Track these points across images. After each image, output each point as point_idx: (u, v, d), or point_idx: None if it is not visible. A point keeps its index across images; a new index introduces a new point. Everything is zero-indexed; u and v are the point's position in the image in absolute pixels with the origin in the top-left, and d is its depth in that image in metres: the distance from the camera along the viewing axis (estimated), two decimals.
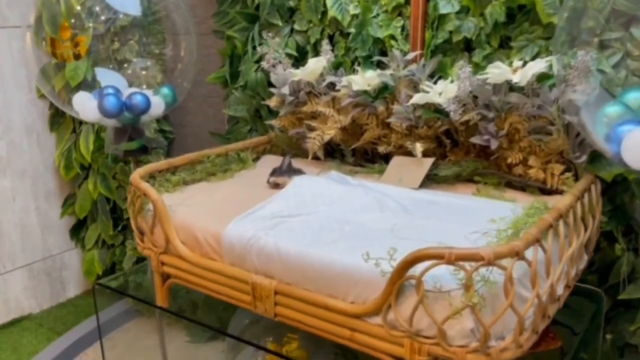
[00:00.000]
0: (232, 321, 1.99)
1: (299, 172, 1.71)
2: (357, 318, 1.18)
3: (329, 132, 1.86)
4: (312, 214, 1.49)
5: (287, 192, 1.58)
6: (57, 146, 3.07)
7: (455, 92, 1.60)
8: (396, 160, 1.76)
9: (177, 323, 2.74)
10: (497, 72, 1.48)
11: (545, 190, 1.55)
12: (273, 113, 2.26)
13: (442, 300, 1.06)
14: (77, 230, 3.28)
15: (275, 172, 1.70)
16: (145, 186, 1.54)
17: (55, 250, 3.26)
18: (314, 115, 1.97)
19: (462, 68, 1.51)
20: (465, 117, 1.61)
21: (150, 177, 1.72)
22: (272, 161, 2.03)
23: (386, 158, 1.90)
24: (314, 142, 1.90)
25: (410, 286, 1.09)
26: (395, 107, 1.72)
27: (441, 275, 1.05)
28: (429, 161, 1.66)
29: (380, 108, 1.79)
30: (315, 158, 1.94)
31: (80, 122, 2.94)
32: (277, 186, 1.68)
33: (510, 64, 1.55)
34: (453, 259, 1.00)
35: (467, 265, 1.00)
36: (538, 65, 1.44)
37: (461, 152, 1.73)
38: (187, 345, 2.75)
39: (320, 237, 1.35)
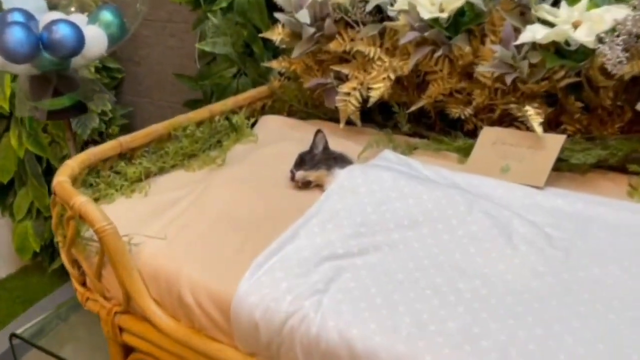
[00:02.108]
0: None
1: (341, 159, 1.04)
2: None
3: (377, 85, 1.18)
4: (386, 248, 0.84)
5: (332, 201, 0.92)
6: None
7: (612, 25, 0.94)
8: (489, 134, 1.11)
9: None
10: None
11: None
12: (270, 49, 1.54)
13: None
14: (1, 197, 2.55)
15: (303, 161, 1.03)
16: (82, 202, 0.85)
17: None
18: (346, 58, 1.28)
19: None
20: (626, 69, 0.96)
21: (91, 171, 1.02)
22: (277, 127, 1.34)
23: (453, 124, 1.25)
24: (349, 101, 1.22)
25: None
26: (499, 50, 1.05)
27: None
28: (559, 141, 1.02)
29: (467, 48, 1.11)
30: (348, 122, 1.27)
31: None
32: (307, 185, 1.02)
33: None
34: None
35: None
36: None
37: (595, 121, 1.09)
38: None
39: (424, 313, 0.71)
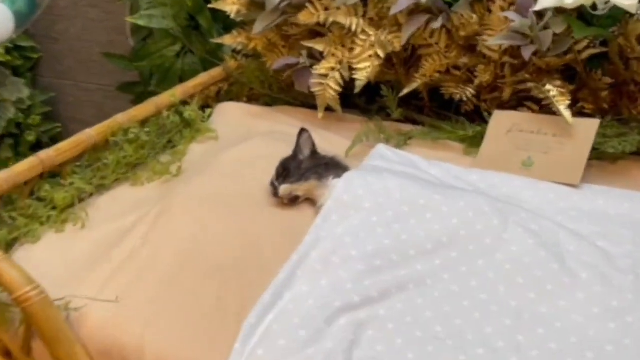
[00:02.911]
0: None
1: (334, 165, 0.83)
2: None
3: (362, 65, 0.97)
4: (411, 286, 0.66)
5: (331, 223, 0.72)
6: None
7: None
8: (501, 120, 0.93)
9: None
10: None
11: None
12: (219, 20, 1.30)
13: None
14: None
15: (287, 170, 0.80)
16: None
17: None
18: (320, 31, 1.05)
19: None
20: None
21: (5, 202, 0.77)
22: (238, 117, 1.11)
23: (447, 105, 1.06)
24: (328, 85, 1.01)
25: None
26: (516, 19, 0.86)
27: None
28: (593, 127, 0.85)
29: (473, 17, 0.91)
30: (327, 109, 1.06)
31: None
32: (295, 201, 0.80)
33: None
34: None
35: None
36: None
37: (624, 99, 0.93)
38: None
39: None
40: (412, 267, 0.68)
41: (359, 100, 1.12)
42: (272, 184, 0.80)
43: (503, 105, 0.98)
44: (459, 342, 0.59)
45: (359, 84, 0.96)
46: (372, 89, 1.09)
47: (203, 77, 1.13)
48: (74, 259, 0.73)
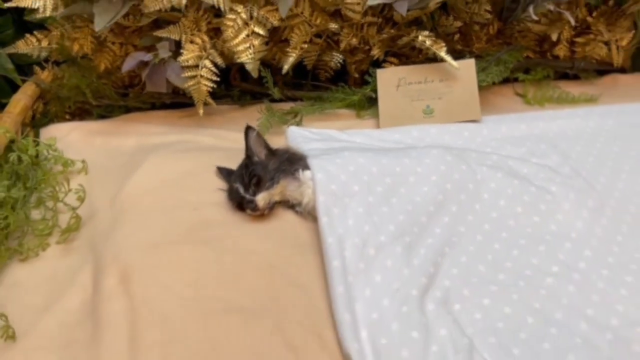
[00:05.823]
0: None
1: (293, 156, 0.73)
2: None
3: (242, 47, 0.86)
4: (447, 249, 0.65)
5: (339, 218, 0.65)
6: None
7: None
8: (387, 77, 0.95)
9: None
10: None
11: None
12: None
13: None
14: None
15: (255, 177, 0.67)
16: None
17: None
18: (171, 18, 0.90)
19: None
20: None
21: None
22: (83, 140, 0.91)
23: (304, 75, 1.05)
24: (202, 76, 0.88)
25: None
26: None
27: None
28: (471, 66, 0.93)
29: None
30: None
31: None
32: (272, 209, 0.69)
33: None
34: None
35: None
36: None
37: (468, 38, 1.05)
38: None
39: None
40: (433, 232, 0.67)
41: (218, 88, 1.01)
42: (239, 197, 0.67)
43: (373, 65, 1.01)
44: (525, 280, 0.62)
45: (252, 68, 0.86)
46: (228, 72, 1.00)
47: (21, 99, 0.85)
48: None
